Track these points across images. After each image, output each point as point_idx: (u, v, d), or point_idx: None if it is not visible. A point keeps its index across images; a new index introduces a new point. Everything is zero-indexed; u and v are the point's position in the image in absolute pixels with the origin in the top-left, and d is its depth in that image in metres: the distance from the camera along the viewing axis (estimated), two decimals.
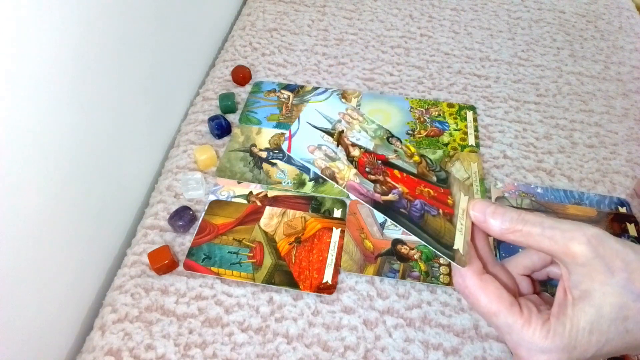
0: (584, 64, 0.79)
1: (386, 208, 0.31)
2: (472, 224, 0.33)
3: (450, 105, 0.70)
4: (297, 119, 0.33)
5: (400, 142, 0.36)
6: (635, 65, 0.79)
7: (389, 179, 0.33)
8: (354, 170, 0.32)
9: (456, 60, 0.78)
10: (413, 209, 0.32)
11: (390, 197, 0.32)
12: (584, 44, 0.83)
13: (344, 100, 0.33)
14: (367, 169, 0.33)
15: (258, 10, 0.86)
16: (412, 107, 0.70)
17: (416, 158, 0.36)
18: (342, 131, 0.34)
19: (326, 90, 0.35)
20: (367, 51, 0.79)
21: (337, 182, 0.31)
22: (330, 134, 0.33)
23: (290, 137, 0.31)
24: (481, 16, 0.87)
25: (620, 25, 0.88)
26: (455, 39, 0.82)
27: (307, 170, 0.61)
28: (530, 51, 0.81)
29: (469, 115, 0.69)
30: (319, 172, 0.31)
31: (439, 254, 0.31)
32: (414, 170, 0.35)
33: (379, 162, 0.34)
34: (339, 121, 0.34)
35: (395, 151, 0.35)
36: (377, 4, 0.88)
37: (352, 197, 0.31)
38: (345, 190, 0.31)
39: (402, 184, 0.33)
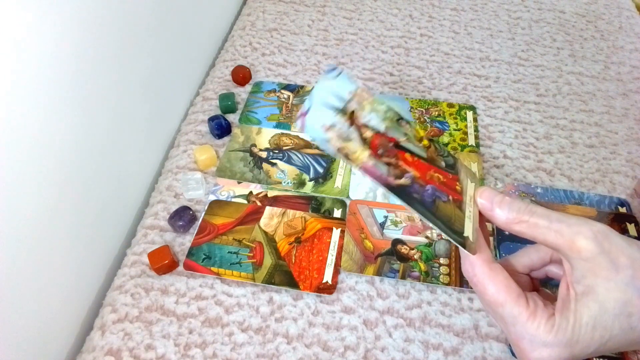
0: (584, 64, 0.79)
1: (400, 192, 0.30)
2: (479, 212, 0.33)
3: (450, 105, 0.70)
4: (308, 97, 0.31)
5: (410, 125, 0.35)
6: (635, 65, 0.79)
7: (401, 163, 0.32)
8: (367, 152, 0.31)
9: (456, 60, 0.78)
10: (425, 194, 0.31)
11: (402, 181, 0.31)
12: (584, 44, 0.83)
13: (353, 79, 0.33)
14: (379, 151, 0.31)
15: (258, 10, 0.86)
16: (412, 107, 0.70)
17: (425, 142, 0.35)
18: (353, 112, 0.32)
19: (335, 68, 0.34)
20: (367, 51, 0.79)
21: (352, 163, 0.30)
22: (343, 114, 0.32)
23: (303, 115, 0.30)
24: (481, 16, 0.87)
25: (620, 25, 0.88)
26: (455, 39, 0.82)
27: (308, 170, 0.61)
28: (530, 51, 0.81)
29: (469, 115, 0.69)
30: (334, 152, 0.30)
31: (451, 240, 0.30)
32: (424, 155, 0.34)
33: (391, 144, 0.32)
34: (350, 100, 0.32)
35: (406, 134, 0.34)
36: (377, 4, 0.88)
37: (368, 179, 0.30)
38: (360, 172, 0.30)
39: (414, 168, 0.32)
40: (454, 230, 0.31)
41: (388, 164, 0.31)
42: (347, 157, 0.30)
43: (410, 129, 0.35)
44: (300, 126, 0.29)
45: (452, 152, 0.64)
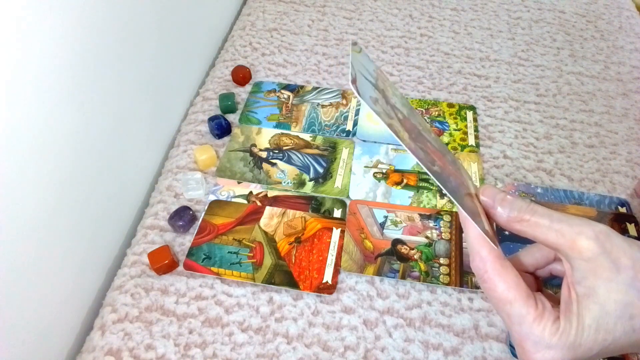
0: (584, 64, 0.79)
1: (439, 178, 0.29)
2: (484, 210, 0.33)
3: (450, 105, 0.70)
4: (350, 66, 0.28)
5: (420, 115, 0.34)
6: (635, 65, 0.79)
7: (429, 150, 0.30)
8: (406, 134, 0.29)
9: (456, 60, 0.78)
10: (452, 184, 0.30)
11: (436, 168, 0.30)
12: (584, 44, 0.83)
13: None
14: (412, 135, 0.30)
15: (258, 10, 0.86)
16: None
17: (433, 135, 0.34)
18: (383, 90, 0.30)
19: (356, 44, 0.32)
20: (367, 51, 0.79)
21: (402, 141, 0.28)
22: (378, 90, 0.29)
23: (355, 81, 0.27)
24: (481, 16, 0.87)
25: (620, 25, 0.88)
26: (455, 39, 0.82)
27: (307, 170, 0.61)
28: (530, 51, 0.81)
29: (469, 115, 0.69)
30: (385, 125, 0.27)
31: (481, 232, 0.30)
32: (437, 146, 0.33)
33: (417, 130, 0.31)
34: (377, 79, 0.30)
35: (420, 124, 0.33)
36: (377, 4, 0.88)
37: (415, 159, 0.28)
38: (409, 151, 0.28)
39: (436, 158, 0.31)
40: (478, 222, 0.30)
41: (422, 149, 0.30)
42: (397, 134, 0.28)
43: (422, 120, 0.34)
44: (355, 92, 0.26)
45: (451, 152, 0.64)
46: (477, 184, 0.61)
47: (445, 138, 0.66)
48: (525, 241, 0.32)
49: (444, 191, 0.29)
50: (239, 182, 0.60)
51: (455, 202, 0.29)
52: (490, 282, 0.30)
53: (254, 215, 0.56)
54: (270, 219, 0.56)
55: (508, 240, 0.55)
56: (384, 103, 0.29)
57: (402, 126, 0.29)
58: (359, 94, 0.26)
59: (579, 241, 0.28)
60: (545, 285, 0.49)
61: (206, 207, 0.57)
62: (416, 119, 0.33)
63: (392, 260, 0.53)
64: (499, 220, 0.32)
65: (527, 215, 0.30)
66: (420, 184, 0.60)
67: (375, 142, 0.65)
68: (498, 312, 0.31)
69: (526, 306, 0.29)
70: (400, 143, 0.28)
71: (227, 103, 0.67)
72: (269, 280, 0.51)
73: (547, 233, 0.29)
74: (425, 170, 0.29)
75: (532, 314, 0.29)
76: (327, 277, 0.51)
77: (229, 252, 0.53)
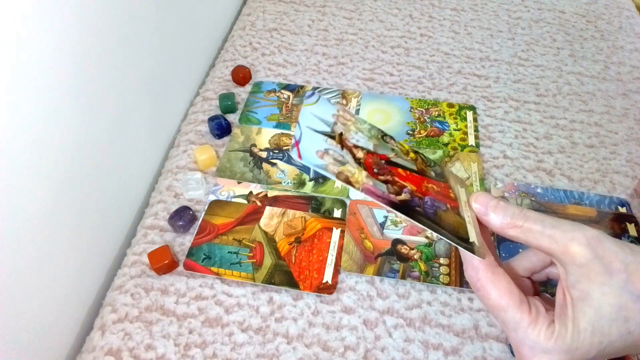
0: (584, 64, 0.79)
1: (404, 208, 0.30)
2: (476, 217, 0.33)
3: (450, 105, 0.70)
4: (297, 125, 0.31)
5: (394, 140, 0.35)
6: (635, 65, 0.79)
7: (396, 179, 0.32)
8: (364, 173, 0.30)
9: (456, 60, 0.78)
10: (425, 206, 0.31)
11: (403, 196, 0.31)
12: (584, 44, 0.83)
13: (332, 102, 0.32)
14: (375, 170, 0.31)
15: (258, 10, 0.86)
16: (412, 107, 0.70)
17: (412, 155, 0.35)
18: (341, 133, 0.32)
19: (313, 93, 0.34)
20: (367, 51, 0.79)
21: (353, 186, 0.30)
22: (332, 137, 0.31)
23: (297, 143, 0.29)
24: (481, 16, 0.87)
25: (620, 25, 0.88)
26: (455, 39, 0.82)
27: (308, 171, 0.61)
28: (530, 51, 0.81)
29: (469, 115, 0.69)
30: (333, 178, 0.29)
31: (460, 248, 0.30)
32: (414, 167, 0.34)
33: (383, 162, 0.32)
34: (335, 123, 0.32)
35: (393, 149, 0.34)
36: (377, 4, 0.88)
37: (370, 199, 0.30)
38: (362, 193, 0.29)
39: (409, 182, 0.32)
40: (461, 237, 0.31)
41: (385, 182, 0.31)
42: (347, 180, 0.29)
43: (396, 144, 0.35)
44: (296, 155, 0.29)
45: (451, 152, 0.64)
46: (477, 184, 0.61)
47: (445, 138, 0.66)
48: None
49: (408, 220, 0.30)
50: (239, 182, 0.60)
51: (422, 227, 0.30)
52: (483, 290, 0.31)
53: (254, 215, 0.56)
54: (270, 219, 0.56)
55: (508, 240, 0.55)
56: (337, 150, 0.31)
57: (360, 165, 0.31)
58: (299, 157, 0.28)
59: (572, 247, 0.29)
60: (546, 286, 0.49)
61: (206, 207, 0.57)
62: (387, 147, 0.34)
63: (392, 260, 0.53)
64: (493, 226, 0.32)
65: (520, 221, 0.30)
66: None
67: None
68: (494, 318, 0.31)
69: (520, 312, 0.29)
70: (353, 188, 0.29)
71: (227, 103, 0.67)
72: (269, 280, 0.51)
73: (540, 239, 0.30)
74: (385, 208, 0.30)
75: (527, 319, 0.29)
76: (327, 277, 0.51)
77: (229, 252, 0.53)
